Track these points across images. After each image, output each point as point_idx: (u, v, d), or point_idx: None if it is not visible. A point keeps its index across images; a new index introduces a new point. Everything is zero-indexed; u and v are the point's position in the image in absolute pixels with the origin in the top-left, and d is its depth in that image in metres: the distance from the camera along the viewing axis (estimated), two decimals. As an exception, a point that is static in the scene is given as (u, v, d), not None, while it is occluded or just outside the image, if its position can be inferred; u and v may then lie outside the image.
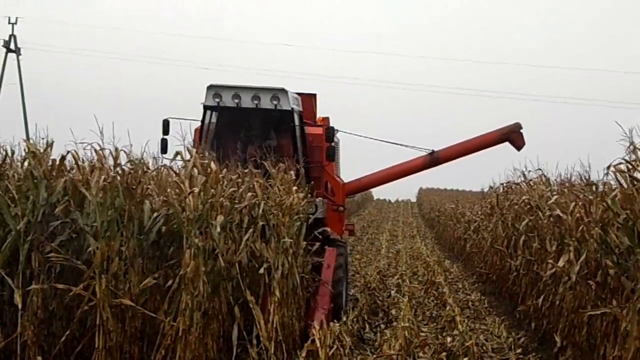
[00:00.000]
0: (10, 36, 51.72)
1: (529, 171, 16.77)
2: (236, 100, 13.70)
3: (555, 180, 14.79)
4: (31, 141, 10.16)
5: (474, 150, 17.46)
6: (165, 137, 13.62)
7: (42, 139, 10.16)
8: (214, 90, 13.77)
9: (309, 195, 13.21)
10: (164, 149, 13.38)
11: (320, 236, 13.73)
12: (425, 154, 17.03)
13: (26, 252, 9.39)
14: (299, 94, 14.91)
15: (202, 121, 14.02)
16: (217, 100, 13.72)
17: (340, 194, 15.37)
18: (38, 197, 9.51)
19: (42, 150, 9.92)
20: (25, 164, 9.82)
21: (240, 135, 14.25)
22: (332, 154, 14.48)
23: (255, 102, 13.67)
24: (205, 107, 13.94)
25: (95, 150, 9.97)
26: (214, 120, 14.18)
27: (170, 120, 13.63)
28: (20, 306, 9.22)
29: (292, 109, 13.90)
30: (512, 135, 17.22)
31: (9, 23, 51.81)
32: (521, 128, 17.39)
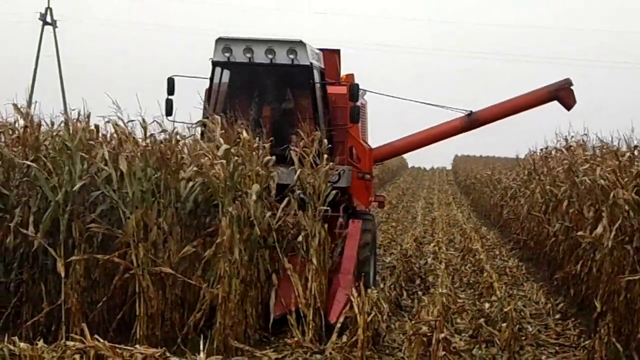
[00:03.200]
0: (46, 9, 52.04)
1: (572, 136, 16.23)
2: (248, 55, 12.27)
3: (592, 145, 14.55)
4: (68, 113, 10.33)
5: (517, 111, 15.67)
6: (170, 97, 12.41)
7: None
8: (224, 43, 12.33)
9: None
10: (169, 110, 12.08)
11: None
12: (462, 115, 15.41)
13: (66, 222, 9.55)
14: (320, 49, 13.38)
15: (211, 79, 12.61)
16: (227, 55, 12.31)
17: (367, 160, 13.67)
18: (75, 168, 9.63)
19: (77, 122, 10.06)
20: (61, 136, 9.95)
21: (253, 95, 12.90)
22: (356, 115, 12.75)
23: (270, 56, 12.24)
24: (214, 63, 12.49)
25: (117, 124, 10.00)
26: (224, 79, 12.76)
27: (175, 78, 12.49)
28: (63, 274, 9.41)
29: (311, 64, 12.37)
30: (561, 93, 15.36)
31: (45, -4, 52.13)
32: (572, 85, 15.39)
